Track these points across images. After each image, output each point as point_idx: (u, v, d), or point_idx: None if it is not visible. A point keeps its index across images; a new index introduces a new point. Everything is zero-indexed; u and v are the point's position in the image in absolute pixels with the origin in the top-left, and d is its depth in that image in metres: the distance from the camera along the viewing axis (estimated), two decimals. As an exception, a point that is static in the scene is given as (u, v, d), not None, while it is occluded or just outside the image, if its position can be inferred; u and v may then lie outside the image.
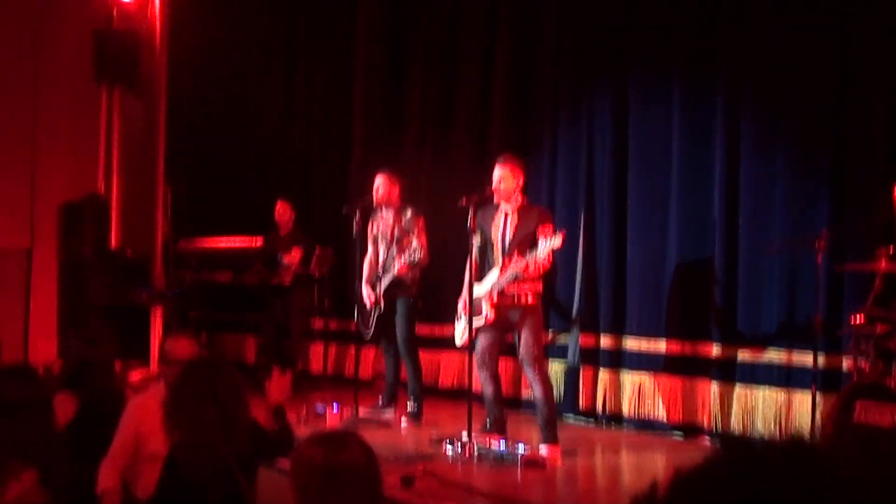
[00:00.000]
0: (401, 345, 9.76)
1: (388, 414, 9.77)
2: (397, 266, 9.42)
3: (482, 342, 8.43)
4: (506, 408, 8.80)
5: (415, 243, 9.51)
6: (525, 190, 8.53)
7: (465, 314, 8.45)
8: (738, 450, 1.31)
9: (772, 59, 8.52)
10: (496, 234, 8.39)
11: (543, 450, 8.00)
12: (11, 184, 13.26)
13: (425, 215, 9.88)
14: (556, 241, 7.85)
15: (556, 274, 9.68)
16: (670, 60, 9.29)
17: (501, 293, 8.21)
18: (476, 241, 8.45)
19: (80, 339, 7.46)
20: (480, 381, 8.65)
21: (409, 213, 9.71)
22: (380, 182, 9.81)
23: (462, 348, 8.73)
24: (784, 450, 1.29)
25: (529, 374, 8.35)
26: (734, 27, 8.82)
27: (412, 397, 9.69)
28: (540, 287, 8.26)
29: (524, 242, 8.19)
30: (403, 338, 9.72)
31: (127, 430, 5.85)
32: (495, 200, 8.40)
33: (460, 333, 8.58)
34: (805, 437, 1.31)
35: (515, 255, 8.15)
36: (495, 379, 8.59)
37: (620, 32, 9.75)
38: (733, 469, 1.28)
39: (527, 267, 8.04)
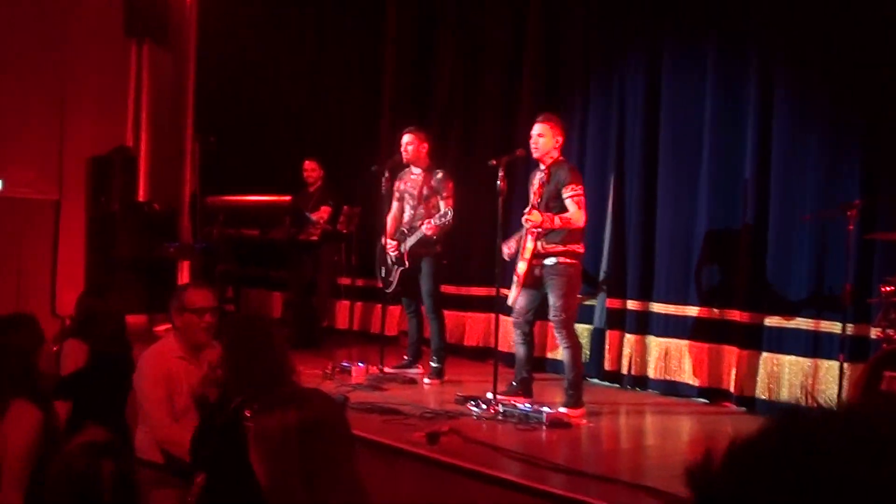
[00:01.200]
0: (426, 302, 9.78)
1: (413, 371, 9.80)
2: (426, 227, 9.42)
3: (520, 301, 8.46)
4: (533, 369, 8.82)
5: (443, 208, 9.51)
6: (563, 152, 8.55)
7: (515, 275, 8.46)
8: (795, 420, 1.30)
9: (807, 26, 8.45)
10: (531, 193, 8.41)
11: (566, 412, 8.02)
12: (41, 137, 13.33)
13: (454, 176, 9.88)
14: (535, 216, 7.94)
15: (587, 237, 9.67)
16: (704, 25, 9.23)
17: (536, 251, 8.22)
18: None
19: (90, 289, 7.54)
20: (513, 341, 8.69)
21: (439, 175, 9.70)
22: (408, 140, 9.81)
23: (506, 308, 8.71)
24: (841, 419, 1.28)
25: (557, 336, 8.37)
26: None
27: (435, 355, 9.72)
28: (575, 248, 8.24)
29: (551, 200, 8.20)
30: (428, 295, 9.73)
31: (158, 387, 5.86)
32: (534, 156, 8.40)
33: (512, 296, 8.56)
34: (861, 406, 1.29)
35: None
36: (528, 340, 8.62)
37: (654, -2, 9.70)
38: (791, 440, 1.27)
39: (535, 223, 8.06)
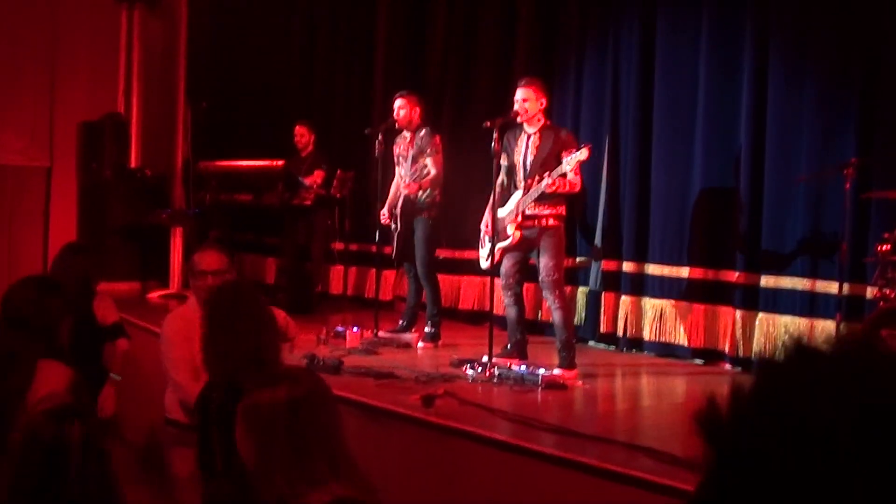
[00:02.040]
0: (419, 270, 9.76)
1: (408, 336, 9.78)
2: (403, 187, 9.45)
3: (506, 264, 8.47)
4: (527, 331, 8.81)
5: (430, 166, 9.51)
6: (549, 114, 8.54)
7: (489, 236, 8.46)
8: (805, 359, 1.26)
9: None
10: (519, 157, 8.39)
11: (559, 374, 8.01)
12: (32, 103, 13.27)
13: (449, 139, 9.85)
14: (583, 154, 7.88)
15: (584, 198, 9.63)
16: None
17: (524, 214, 8.21)
18: (503, 162, 8.46)
19: (67, 248, 7.44)
20: (504, 304, 8.68)
21: (422, 132, 9.69)
22: (400, 104, 9.77)
23: (486, 271, 8.72)
24: (856, 355, 1.25)
25: (549, 298, 8.38)
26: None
27: (430, 320, 9.70)
28: (563, 210, 8.27)
29: (546, 164, 8.20)
30: (422, 260, 9.71)
31: (178, 348, 5.82)
32: (519, 122, 8.37)
33: (485, 256, 8.59)
34: (872, 341, 1.26)
35: (537, 177, 8.14)
36: (519, 302, 8.62)
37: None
38: (803, 379, 1.23)
39: (555, 184, 8.04)
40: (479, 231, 8.85)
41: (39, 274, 6.37)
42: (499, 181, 8.52)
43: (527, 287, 8.98)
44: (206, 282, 5.85)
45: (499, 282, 8.83)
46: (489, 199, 8.61)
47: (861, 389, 1.18)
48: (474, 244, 10.73)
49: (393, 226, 9.74)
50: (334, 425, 3.25)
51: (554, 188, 8.09)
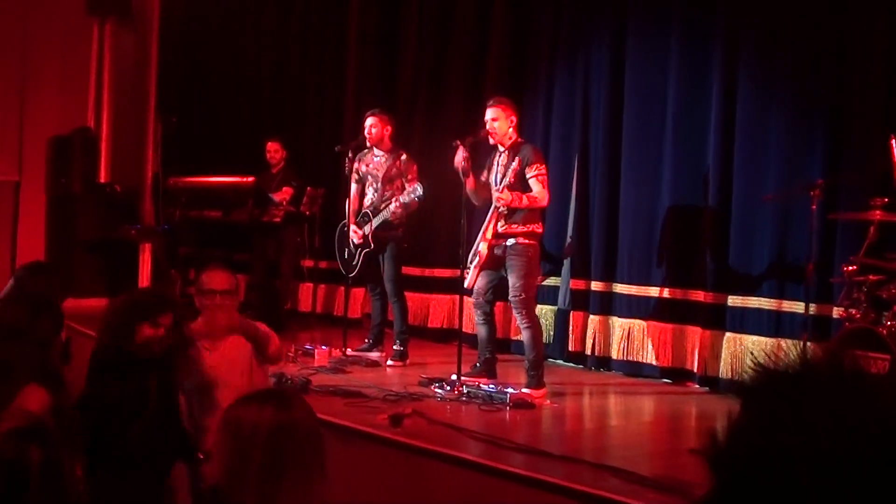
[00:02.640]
0: (388, 286, 9.74)
1: (375, 354, 9.77)
2: (393, 204, 9.42)
3: (479, 282, 8.48)
4: (497, 350, 8.82)
5: (399, 188, 9.52)
6: (521, 131, 8.55)
7: (476, 256, 8.47)
8: (779, 384, 1.33)
9: (770, 7, 8.46)
10: (492, 175, 8.40)
11: (528, 393, 8.01)
12: (1, 116, 13.19)
13: (418, 157, 9.86)
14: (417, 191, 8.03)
15: (551, 218, 9.65)
16: (669, 5, 9.22)
17: (496, 232, 8.23)
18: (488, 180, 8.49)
19: (26, 269, 7.36)
20: (475, 322, 8.70)
21: (403, 157, 9.68)
22: (372, 122, 9.76)
23: (457, 289, 8.72)
24: (825, 376, 1.31)
25: (517, 317, 8.39)
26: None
27: (398, 339, 9.69)
28: (535, 227, 8.25)
29: (515, 180, 8.20)
30: (391, 279, 9.70)
31: None
32: (491, 142, 8.40)
33: (468, 275, 8.58)
34: (840, 359, 1.32)
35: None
36: (489, 321, 8.65)
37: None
38: (783, 404, 1.30)
39: (501, 199, 8.07)
40: (450, 249, 8.85)
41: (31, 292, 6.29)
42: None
43: (498, 305, 8.97)
44: (214, 301, 5.84)
45: (468, 300, 8.84)
46: (473, 218, 8.64)
47: (835, 412, 1.25)
48: (443, 262, 10.79)
49: (354, 244, 9.70)
50: (313, 457, 3.22)
51: (503, 202, 8.11)
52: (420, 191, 9.33)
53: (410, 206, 9.46)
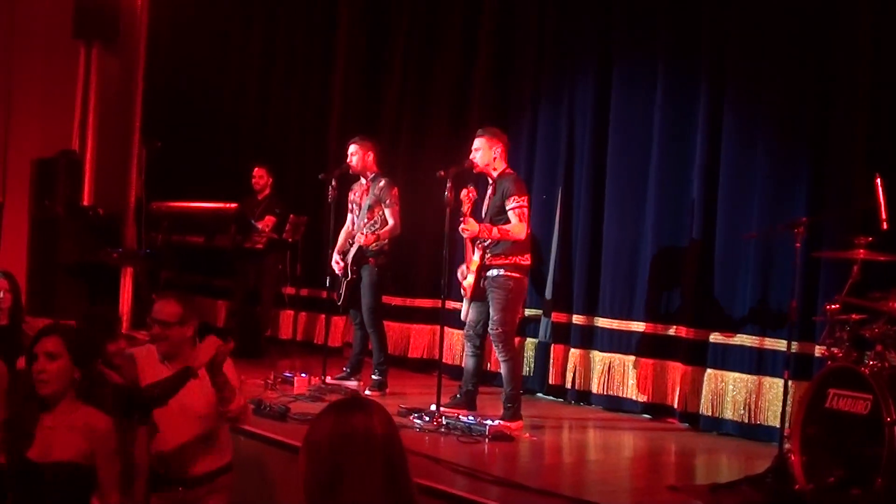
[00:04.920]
0: (365, 317, 9.69)
1: (353, 383, 9.71)
2: (359, 236, 9.40)
3: (471, 314, 8.48)
4: (480, 383, 8.79)
5: (388, 216, 9.48)
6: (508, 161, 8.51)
7: (462, 289, 8.45)
8: None
9: (755, 45, 8.47)
10: (483, 206, 8.39)
11: (504, 425, 7.97)
12: (-16, 137, 13.15)
13: (403, 187, 9.83)
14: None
15: (533, 251, 9.63)
16: (654, 42, 9.24)
17: (482, 263, 8.19)
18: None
19: None
20: (465, 352, 8.69)
21: (381, 183, 9.65)
22: (353, 150, 9.75)
23: (456, 321, 8.67)
24: None
25: (496, 350, 8.36)
26: (719, 12, 8.75)
27: (377, 368, 9.64)
28: (518, 260, 8.20)
29: (495, 212, 8.18)
30: (368, 308, 9.65)
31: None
32: (475, 171, 8.39)
33: (464, 308, 8.55)
34: None
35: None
36: (479, 354, 8.63)
37: (605, 13, 9.70)
38: None
39: (471, 232, 8.06)
40: (431, 279, 8.82)
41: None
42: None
43: (488, 338, 8.90)
44: (153, 330, 5.71)
45: (448, 330, 8.82)
46: (456, 249, 8.63)
47: None
48: (424, 292, 10.76)
49: (344, 274, 9.65)
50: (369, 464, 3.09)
51: (467, 234, 8.13)
52: (377, 225, 9.44)
53: (382, 234, 9.43)
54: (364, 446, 2.94)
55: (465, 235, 8.16)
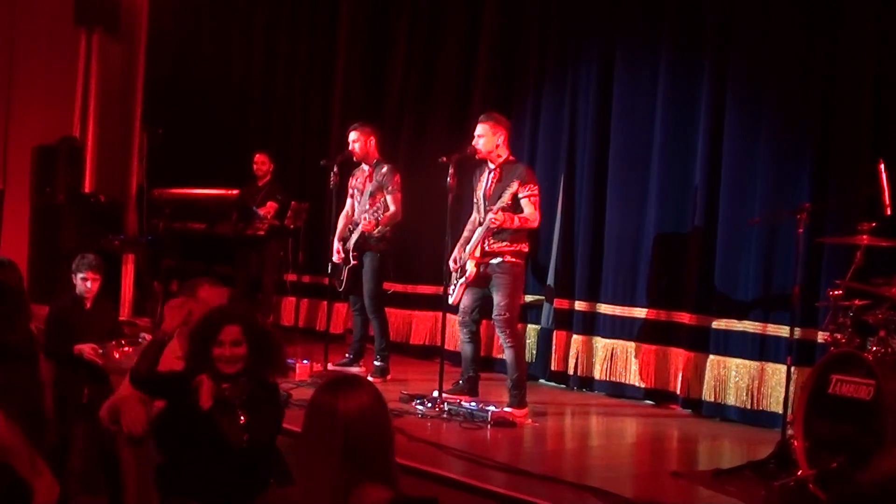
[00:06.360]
0: (367, 301, 9.69)
1: (355, 369, 9.71)
2: (362, 223, 9.38)
3: (465, 300, 8.43)
4: (481, 369, 8.78)
5: (390, 203, 9.47)
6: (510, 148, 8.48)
7: (455, 273, 8.42)
8: None
9: (759, 31, 8.45)
10: (480, 192, 8.36)
11: (509, 412, 7.97)
12: (-15, 124, 13.14)
13: (405, 173, 9.82)
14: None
15: (536, 238, 9.61)
16: (657, 29, 9.21)
17: (483, 250, 8.17)
18: (474, 199, 8.44)
19: None
20: (460, 339, 8.65)
21: (384, 169, 9.64)
22: (354, 137, 9.73)
23: (444, 306, 8.64)
24: None
25: (501, 336, 8.35)
26: (723, -2, 8.74)
27: (378, 355, 9.63)
28: (522, 247, 8.21)
29: (500, 198, 8.15)
30: (370, 294, 9.64)
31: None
32: (477, 158, 8.36)
33: (451, 292, 8.51)
34: None
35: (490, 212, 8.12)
36: (475, 339, 8.60)
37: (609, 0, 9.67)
38: None
39: (496, 220, 8.00)
40: (433, 266, 8.80)
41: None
42: (471, 217, 8.50)
43: (483, 323, 8.90)
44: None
45: (451, 317, 8.80)
46: (457, 234, 8.59)
47: None
48: (426, 279, 10.74)
49: (345, 261, 9.64)
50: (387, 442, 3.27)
51: (497, 224, 8.06)
52: (380, 212, 9.42)
53: (382, 220, 9.42)
54: (326, 421, 3.18)
55: (493, 226, 8.08)
